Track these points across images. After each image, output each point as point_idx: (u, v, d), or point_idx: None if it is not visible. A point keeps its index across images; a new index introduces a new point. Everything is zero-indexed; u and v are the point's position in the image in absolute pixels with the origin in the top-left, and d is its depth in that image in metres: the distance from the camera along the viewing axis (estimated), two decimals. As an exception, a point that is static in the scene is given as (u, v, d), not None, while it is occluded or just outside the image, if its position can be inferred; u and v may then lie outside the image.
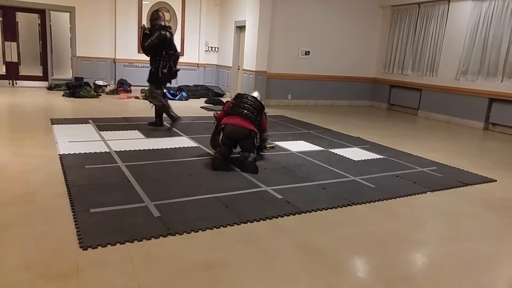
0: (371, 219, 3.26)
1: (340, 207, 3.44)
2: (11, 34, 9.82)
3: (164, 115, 6.15)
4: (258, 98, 4.81)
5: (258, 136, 4.55)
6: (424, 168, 4.84)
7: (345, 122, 8.02)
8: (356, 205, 3.52)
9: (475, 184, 4.37)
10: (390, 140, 6.39)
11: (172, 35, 5.90)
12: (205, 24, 11.39)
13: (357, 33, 10.76)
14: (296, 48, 10.07)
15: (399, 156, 5.41)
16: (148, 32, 5.76)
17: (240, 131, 4.30)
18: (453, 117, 8.95)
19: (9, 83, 9.97)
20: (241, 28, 10.38)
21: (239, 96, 4.73)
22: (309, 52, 10.22)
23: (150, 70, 5.92)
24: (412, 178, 4.41)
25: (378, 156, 5.32)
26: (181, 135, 5.76)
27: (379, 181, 4.23)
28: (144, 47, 5.81)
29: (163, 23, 5.82)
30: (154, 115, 6.23)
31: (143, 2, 10.66)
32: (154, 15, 5.90)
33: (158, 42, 5.70)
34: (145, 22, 10.71)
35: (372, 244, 2.82)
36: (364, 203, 3.57)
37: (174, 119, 6.04)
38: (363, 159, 5.13)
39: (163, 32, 5.72)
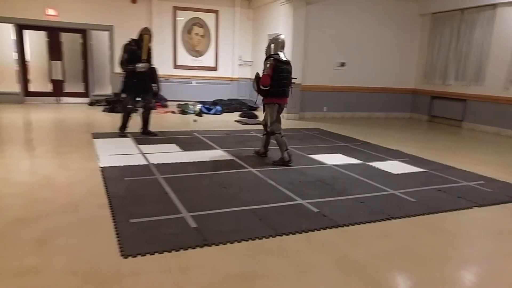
0: (411, 234, 3.16)
1: (378, 221, 3.35)
2: (57, 53, 10.38)
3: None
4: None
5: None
6: (470, 182, 4.63)
7: (383, 135, 7.85)
8: (396, 219, 3.41)
9: (524, 199, 4.14)
10: (431, 153, 6.17)
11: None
12: (239, 38, 11.57)
13: (395, 43, 10.57)
14: (331, 60, 10.02)
15: (442, 169, 5.21)
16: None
17: None
18: (503, 128, 8.49)
19: (55, 100, 10.49)
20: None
21: (281, 64, 4.98)
22: (344, 63, 10.14)
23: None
24: (457, 193, 4.23)
25: (419, 170, 5.15)
26: (216, 148, 5.83)
27: (420, 195, 4.09)
28: None
29: None
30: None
31: (177, 18, 10.99)
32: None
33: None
34: (180, 37, 11.05)
35: (412, 260, 2.72)
36: (404, 218, 3.46)
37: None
38: (402, 172, 4.99)
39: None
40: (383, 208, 3.66)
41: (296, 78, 5.42)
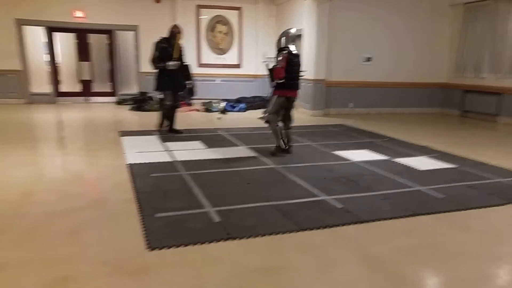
0: (437, 231, 3.09)
1: (403, 217, 3.30)
2: (85, 54, 10.69)
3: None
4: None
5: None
6: (503, 179, 4.47)
7: (411, 131, 7.65)
8: (421, 215, 3.35)
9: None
10: (462, 149, 5.98)
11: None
12: (262, 35, 11.56)
13: (423, 36, 10.22)
14: (357, 55, 9.84)
15: (473, 165, 5.04)
16: None
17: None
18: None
19: (84, 99, 10.81)
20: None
21: (292, 57, 5.12)
22: (370, 58, 9.97)
23: None
24: (488, 189, 4.09)
25: (448, 166, 5.02)
26: (240, 145, 5.87)
27: (448, 191, 3.98)
28: None
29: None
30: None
31: (201, 17, 11.09)
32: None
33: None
34: (203, 35, 11.15)
35: (438, 256, 2.66)
36: (430, 214, 3.39)
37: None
38: (430, 168, 4.87)
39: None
40: (408, 204, 3.60)
41: (306, 71, 5.54)
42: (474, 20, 9.60)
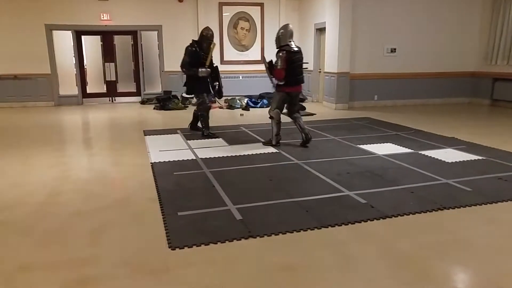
0: (465, 225, 2.99)
1: (429, 211, 3.21)
2: (110, 56, 10.89)
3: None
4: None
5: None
6: (532, 170, 4.31)
7: (438, 122, 7.45)
8: (448, 209, 3.25)
9: None
10: (492, 140, 5.78)
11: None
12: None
13: (450, 23, 9.91)
14: (381, 46, 9.63)
15: (503, 157, 4.86)
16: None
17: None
18: None
19: (109, 100, 11.03)
20: (321, 30, 10.28)
21: (292, 55, 5.20)
22: (395, 49, 9.74)
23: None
24: (517, 181, 3.95)
25: (476, 157, 4.86)
26: (262, 141, 5.84)
27: (476, 184, 3.86)
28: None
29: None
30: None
31: (223, 14, 11.11)
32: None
33: None
34: (226, 32, 11.17)
35: (466, 252, 2.58)
36: (458, 208, 3.29)
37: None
38: (458, 160, 4.73)
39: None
40: (435, 198, 3.50)
41: (307, 63, 5.63)
42: (505, 5, 9.24)
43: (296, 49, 5.31)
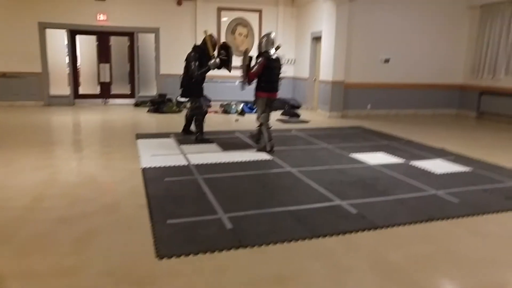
0: (453, 236, 3.01)
1: (419, 222, 3.22)
2: (105, 56, 10.81)
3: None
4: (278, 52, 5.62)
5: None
6: (520, 183, 4.34)
7: (428, 133, 7.51)
8: (437, 220, 3.27)
9: None
10: (478, 151, 5.85)
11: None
12: (282, 37, 11.47)
13: (441, 37, 10.11)
14: (375, 56, 9.73)
15: (489, 168, 4.93)
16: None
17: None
18: None
19: (102, 102, 10.93)
20: (317, 39, 10.31)
21: (271, 62, 5.42)
22: (389, 59, 9.82)
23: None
24: (505, 193, 3.99)
25: (464, 169, 4.89)
26: (256, 148, 5.81)
27: (464, 195, 3.89)
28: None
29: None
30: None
31: (222, 19, 11.09)
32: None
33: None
34: (224, 37, 11.15)
35: (454, 263, 2.58)
36: (446, 219, 3.30)
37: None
38: (446, 172, 4.76)
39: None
40: (424, 209, 3.51)
41: (285, 72, 5.76)
42: (491, 22, 9.46)
43: (275, 57, 5.52)
